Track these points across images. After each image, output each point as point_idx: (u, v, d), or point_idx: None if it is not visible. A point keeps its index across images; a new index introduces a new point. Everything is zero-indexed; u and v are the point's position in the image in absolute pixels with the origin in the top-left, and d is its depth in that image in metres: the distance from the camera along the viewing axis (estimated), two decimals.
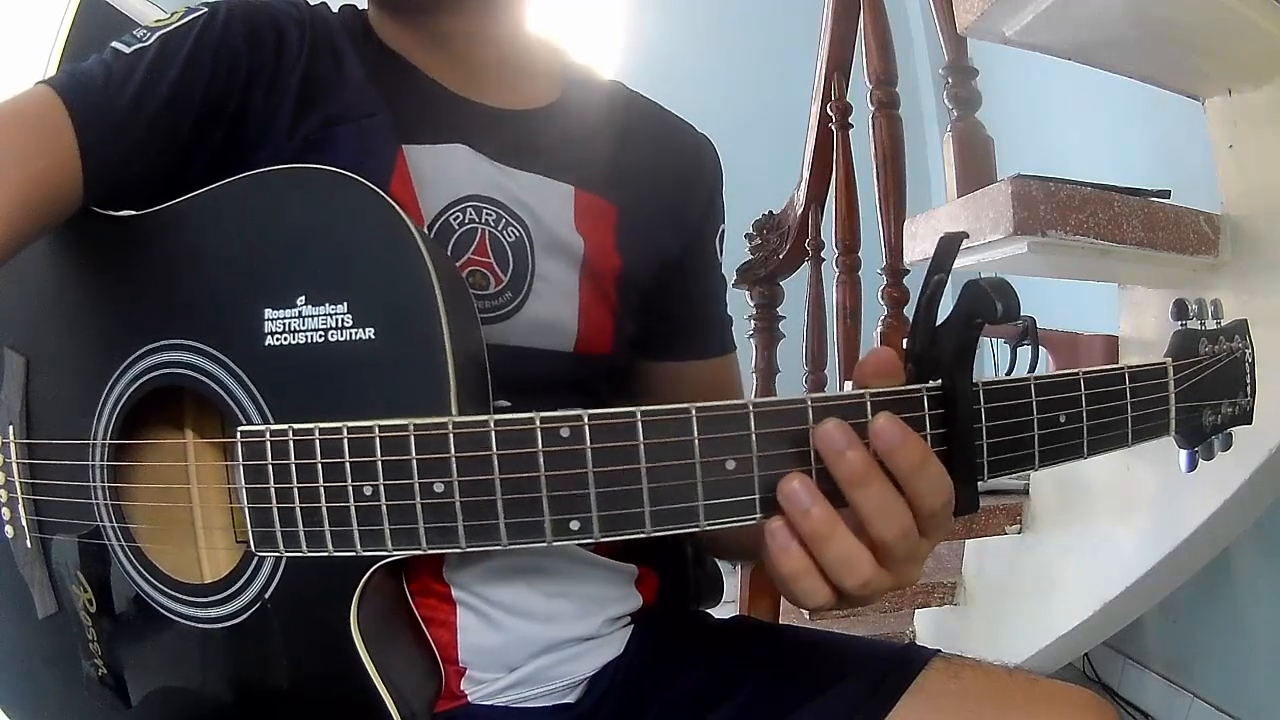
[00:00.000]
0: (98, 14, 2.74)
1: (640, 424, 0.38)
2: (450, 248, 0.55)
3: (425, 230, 0.54)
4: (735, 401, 0.39)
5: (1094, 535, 1.29)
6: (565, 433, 0.38)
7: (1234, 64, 1.08)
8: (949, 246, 0.41)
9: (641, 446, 0.38)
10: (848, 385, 0.43)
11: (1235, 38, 1.02)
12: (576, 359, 0.60)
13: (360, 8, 0.63)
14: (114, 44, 0.53)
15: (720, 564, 0.81)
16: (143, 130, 0.51)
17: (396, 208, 0.44)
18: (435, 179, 0.56)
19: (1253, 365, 0.54)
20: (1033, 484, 1.42)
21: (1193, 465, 0.52)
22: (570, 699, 0.60)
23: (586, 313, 0.60)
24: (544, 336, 0.59)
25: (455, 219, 0.56)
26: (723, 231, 0.73)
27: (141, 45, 0.52)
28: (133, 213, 0.51)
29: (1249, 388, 0.54)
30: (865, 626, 1.66)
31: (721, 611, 0.78)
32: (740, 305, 1.75)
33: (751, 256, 1.83)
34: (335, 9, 0.63)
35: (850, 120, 1.60)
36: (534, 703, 0.58)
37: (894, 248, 1.37)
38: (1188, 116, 1.23)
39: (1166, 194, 1.12)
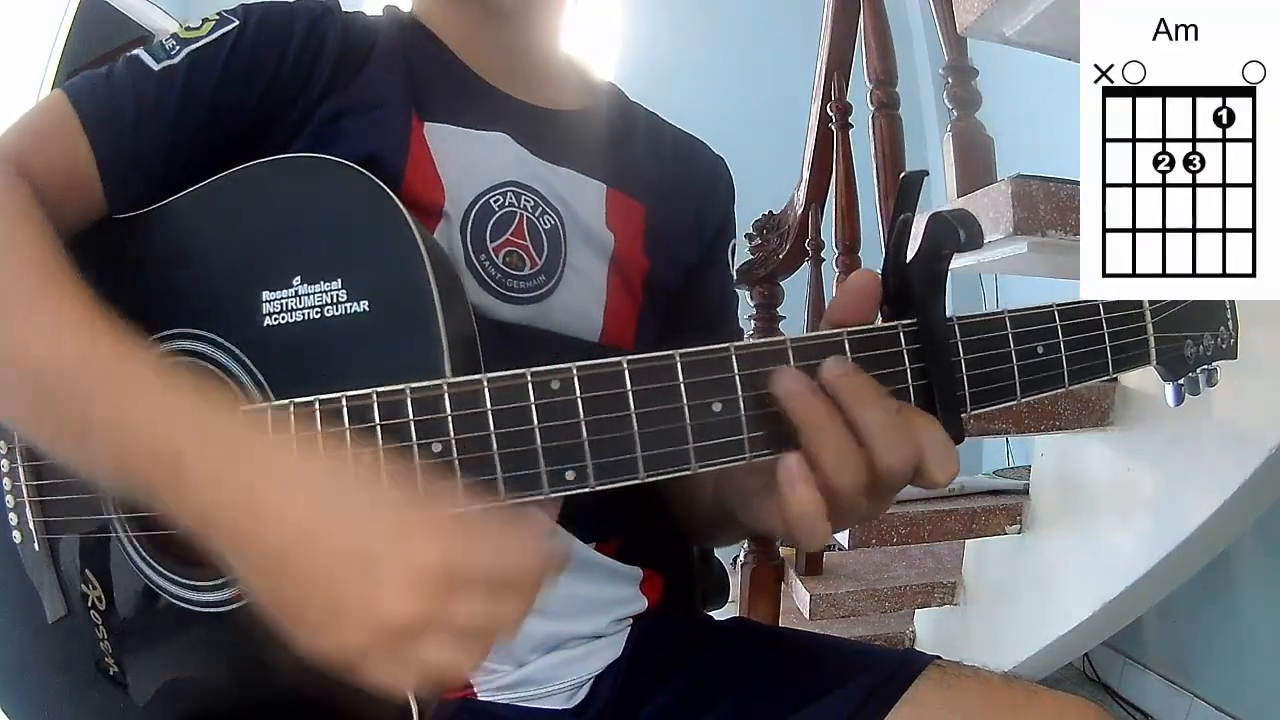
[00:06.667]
0: (98, 14, 2.74)
1: (627, 372, 0.40)
2: (490, 228, 0.57)
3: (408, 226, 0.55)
4: (718, 345, 0.40)
5: (1094, 535, 1.29)
6: (555, 385, 0.39)
7: None
8: (911, 185, 0.42)
9: (630, 394, 0.40)
10: None
11: None
12: (601, 350, 0.61)
13: (405, 9, 0.65)
14: (142, 56, 0.52)
15: (723, 565, 0.81)
16: (166, 159, 0.51)
17: (383, 186, 0.45)
18: (475, 162, 0.57)
19: (1232, 300, 0.53)
20: (1033, 484, 1.42)
21: (1179, 399, 0.52)
22: (574, 702, 0.59)
23: (612, 306, 0.61)
24: (572, 323, 0.60)
25: (496, 201, 0.57)
26: (734, 246, 0.75)
27: (170, 63, 0.52)
28: (130, 214, 0.52)
29: (1230, 322, 0.53)
30: (865, 626, 1.66)
31: (721, 611, 0.78)
32: (740, 305, 1.74)
33: (751, 256, 1.83)
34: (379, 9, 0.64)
35: (850, 120, 1.60)
36: (540, 703, 0.58)
37: None
38: None
39: None
